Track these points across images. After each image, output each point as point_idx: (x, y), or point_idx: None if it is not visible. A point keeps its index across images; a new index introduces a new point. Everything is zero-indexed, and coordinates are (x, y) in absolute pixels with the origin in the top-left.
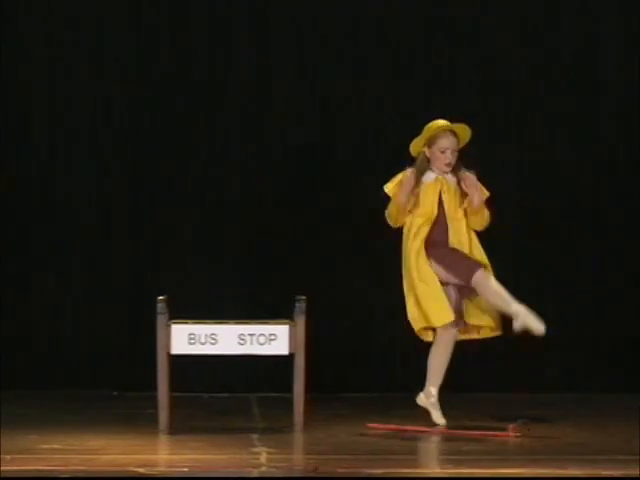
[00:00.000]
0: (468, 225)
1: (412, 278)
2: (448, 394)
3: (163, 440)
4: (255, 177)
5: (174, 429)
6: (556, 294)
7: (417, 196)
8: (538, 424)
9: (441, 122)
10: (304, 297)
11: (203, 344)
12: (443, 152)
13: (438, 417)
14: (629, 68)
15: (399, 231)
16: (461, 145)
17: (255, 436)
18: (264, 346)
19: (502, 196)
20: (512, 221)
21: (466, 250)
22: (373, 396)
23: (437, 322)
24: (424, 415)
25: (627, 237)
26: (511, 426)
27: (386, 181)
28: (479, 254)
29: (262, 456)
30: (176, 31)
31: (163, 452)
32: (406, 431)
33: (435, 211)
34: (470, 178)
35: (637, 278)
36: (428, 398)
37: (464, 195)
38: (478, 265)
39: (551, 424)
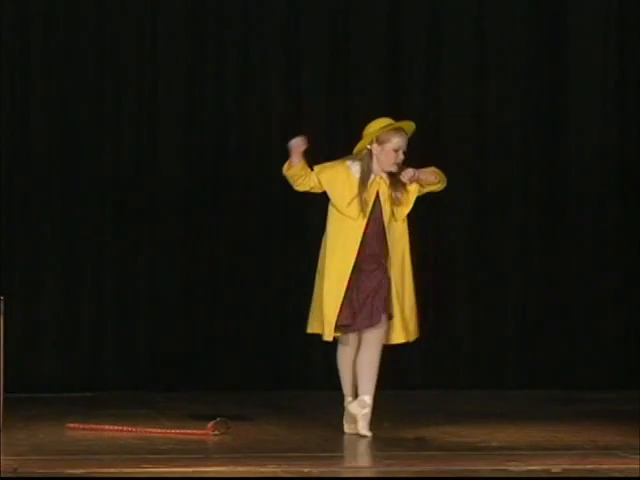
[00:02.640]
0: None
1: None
2: (147, 394)
3: None
4: None
5: None
6: None
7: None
8: (238, 422)
9: (389, 120)
10: (1, 297)
11: None
12: (396, 151)
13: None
14: None
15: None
16: None
17: None
18: None
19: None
20: None
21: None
22: (74, 396)
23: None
24: (125, 415)
25: None
26: (210, 424)
27: None
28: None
29: None
30: None
31: None
32: (105, 430)
33: (367, 213)
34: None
35: None
36: (363, 408)
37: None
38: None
39: (251, 422)
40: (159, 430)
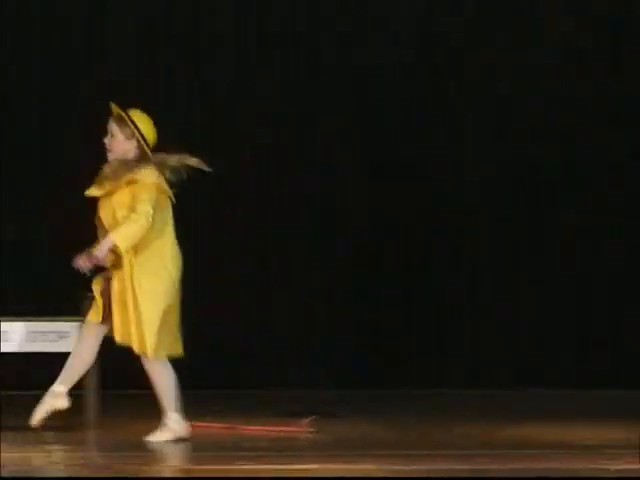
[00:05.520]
0: None
1: None
2: (242, 392)
3: None
4: None
5: None
6: None
7: None
8: (330, 420)
9: None
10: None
11: None
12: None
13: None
14: None
15: None
16: (148, 137)
17: (49, 434)
18: (55, 343)
19: None
20: None
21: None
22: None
23: None
24: (218, 412)
25: None
26: (303, 422)
27: None
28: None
29: (56, 454)
30: None
31: None
32: (199, 427)
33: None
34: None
35: None
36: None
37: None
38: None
39: (344, 420)
40: (252, 427)
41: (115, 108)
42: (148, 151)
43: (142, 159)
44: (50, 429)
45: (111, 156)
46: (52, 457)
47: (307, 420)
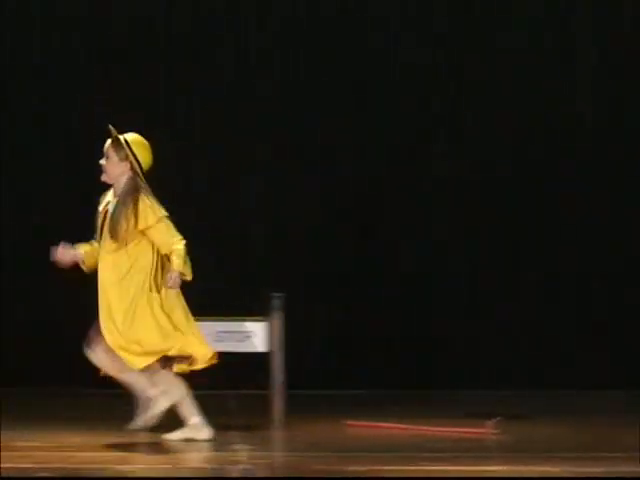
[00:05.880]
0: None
1: None
2: (421, 392)
3: (141, 437)
4: None
5: (152, 427)
6: None
7: None
8: (513, 421)
9: None
10: (280, 294)
11: None
12: None
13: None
14: None
15: None
16: (143, 161)
17: (234, 433)
18: (241, 343)
19: None
20: None
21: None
22: (352, 394)
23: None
24: (407, 413)
25: None
26: (488, 423)
27: None
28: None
29: (242, 454)
30: None
31: (141, 450)
32: (383, 428)
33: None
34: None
35: None
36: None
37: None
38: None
39: (525, 421)
40: (436, 428)
41: (112, 130)
42: (141, 174)
43: (133, 185)
44: (235, 428)
45: (104, 177)
46: (237, 456)
47: (492, 421)
